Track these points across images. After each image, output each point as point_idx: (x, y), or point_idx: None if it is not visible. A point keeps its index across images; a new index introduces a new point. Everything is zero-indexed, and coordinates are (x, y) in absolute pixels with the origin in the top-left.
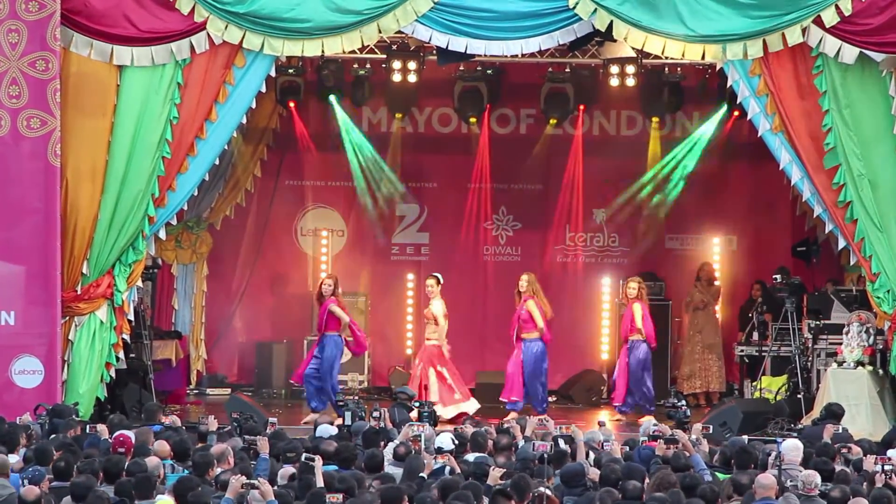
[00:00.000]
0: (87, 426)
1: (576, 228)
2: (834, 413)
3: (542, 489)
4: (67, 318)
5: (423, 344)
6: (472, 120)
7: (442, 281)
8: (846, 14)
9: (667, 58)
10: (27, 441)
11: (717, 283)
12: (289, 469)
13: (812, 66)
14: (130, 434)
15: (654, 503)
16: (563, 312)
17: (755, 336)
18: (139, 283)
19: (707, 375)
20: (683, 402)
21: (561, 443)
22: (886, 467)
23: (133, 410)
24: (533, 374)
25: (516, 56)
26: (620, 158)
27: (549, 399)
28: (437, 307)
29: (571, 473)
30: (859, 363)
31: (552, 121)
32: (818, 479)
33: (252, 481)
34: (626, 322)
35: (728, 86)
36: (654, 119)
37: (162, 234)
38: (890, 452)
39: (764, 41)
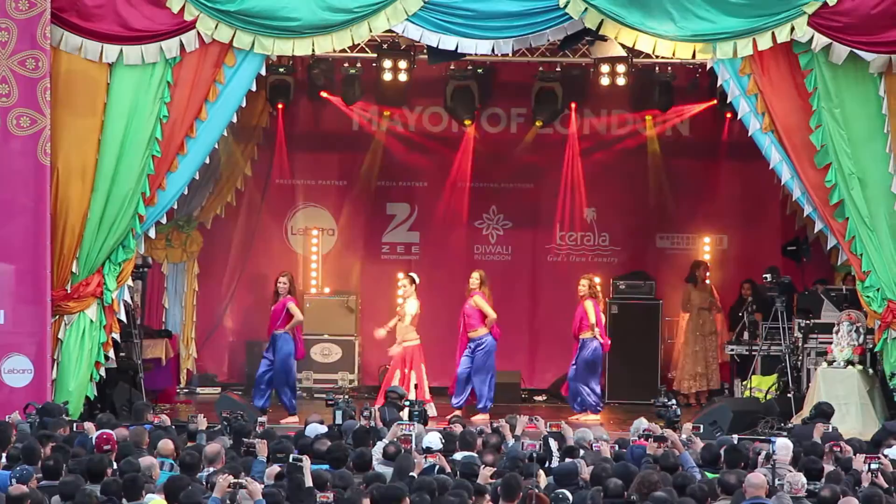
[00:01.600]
0: (75, 425)
1: (566, 228)
2: (824, 412)
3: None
4: (57, 316)
5: (402, 344)
6: (468, 122)
7: (417, 281)
8: (836, 12)
9: (657, 57)
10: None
11: (707, 281)
12: (274, 468)
13: (802, 66)
14: (113, 433)
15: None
16: (553, 311)
17: (745, 335)
18: (129, 281)
19: (707, 375)
20: (674, 402)
21: (551, 441)
22: (873, 465)
23: (123, 409)
24: (478, 371)
25: (507, 55)
26: (611, 157)
27: (539, 398)
28: (412, 306)
29: (565, 472)
30: (849, 362)
31: (537, 123)
32: (804, 479)
33: (239, 481)
34: (576, 320)
35: (718, 85)
36: (648, 117)
37: (152, 233)
38: (886, 451)
39: (754, 39)
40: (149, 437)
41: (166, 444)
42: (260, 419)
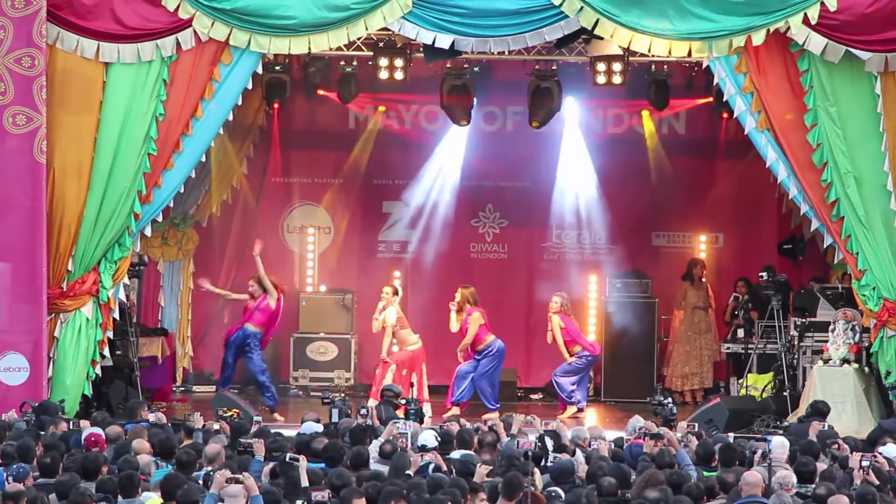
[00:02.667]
0: (70, 423)
1: (562, 226)
2: (820, 410)
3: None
4: (53, 314)
5: (404, 349)
6: (464, 123)
7: (400, 294)
8: (832, 11)
9: (653, 55)
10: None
11: (704, 279)
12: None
13: (798, 64)
14: (101, 432)
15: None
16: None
17: (741, 333)
18: (125, 279)
19: (702, 373)
20: (669, 400)
21: (547, 439)
22: (864, 463)
23: (119, 408)
24: (483, 374)
25: (503, 53)
26: (607, 155)
27: (535, 396)
28: (391, 317)
29: (561, 470)
30: (845, 361)
31: (534, 123)
32: (794, 478)
33: (236, 475)
34: (564, 337)
35: (714, 83)
36: (645, 114)
37: (148, 231)
38: (881, 449)
39: (749, 36)
40: (147, 435)
41: (141, 444)
42: (255, 418)
